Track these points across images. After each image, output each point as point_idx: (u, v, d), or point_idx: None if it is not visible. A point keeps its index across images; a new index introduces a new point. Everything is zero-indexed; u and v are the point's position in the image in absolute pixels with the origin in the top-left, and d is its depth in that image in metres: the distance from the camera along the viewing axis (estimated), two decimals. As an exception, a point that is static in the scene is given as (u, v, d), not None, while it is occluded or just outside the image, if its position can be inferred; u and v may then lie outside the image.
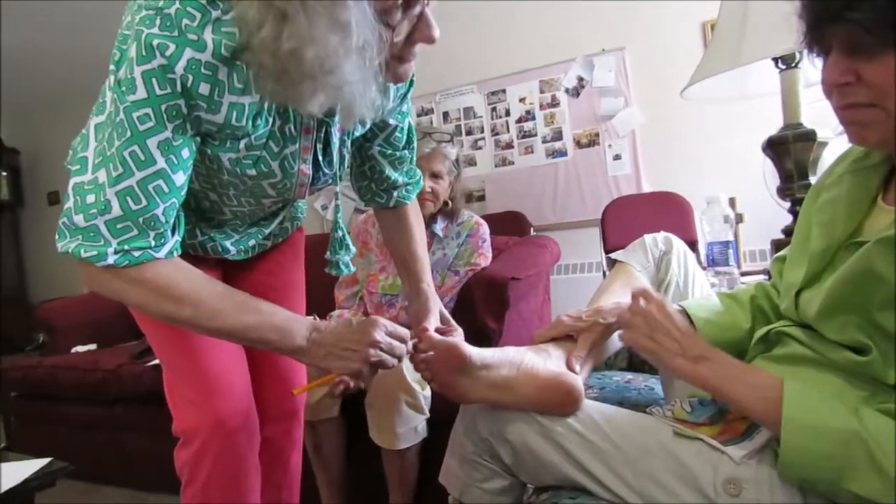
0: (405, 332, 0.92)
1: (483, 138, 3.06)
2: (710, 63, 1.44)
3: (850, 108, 0.68)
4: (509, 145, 3.00)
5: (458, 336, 1.03)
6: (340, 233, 1.11)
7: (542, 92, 2.92)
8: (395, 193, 1.14)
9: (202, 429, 1.01)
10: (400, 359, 0.91)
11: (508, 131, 3.00)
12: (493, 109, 3.03)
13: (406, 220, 1.16)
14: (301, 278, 1.27)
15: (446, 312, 1.11)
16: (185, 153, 0.77)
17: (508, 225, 2.42)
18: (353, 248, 1.15)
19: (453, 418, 0.96)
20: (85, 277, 0.80)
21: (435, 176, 1.79)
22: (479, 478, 0.90)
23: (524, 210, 2.67)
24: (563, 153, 2.89)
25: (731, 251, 1.44)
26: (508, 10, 2.93)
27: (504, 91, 3.00)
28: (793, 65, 1.38)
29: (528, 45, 2.91)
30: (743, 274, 1.58)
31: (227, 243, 1.06)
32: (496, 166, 3.04)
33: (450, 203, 1.85)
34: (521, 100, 2.97)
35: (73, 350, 2.61)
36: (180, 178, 0.78)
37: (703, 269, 1.46)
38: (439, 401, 1.51)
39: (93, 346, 2.63)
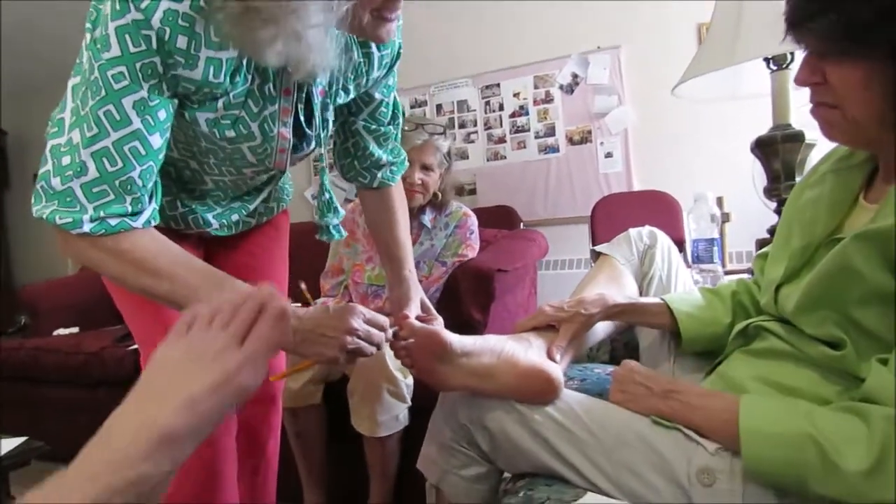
0: (384, 319, 0.91)
1: (476, 132, 3.05)
2: (703, 61, 1.44)
3: (818, 106, 0.70)
4: (502, 139, 3.00)
5: (437, 324, 1.03)
6: (327, 195, 1.09)
7: (536, 87, 2.92)
8: (379, 174, 1.12)
9: None
10: (378, 347, 0.90)
11: (501, 126, 3.00)
12: (487, 103, 3.03)
13: (390, 202, 1.14)
14: (283, 262, 1.26)
15: (427, 300, 1.11)
16: (162, 115, 0.76)
17: (498, 219, 2.42)
18: (341, 212, 1.14)
19: (435, 407, 0.96)
20: (61, 245, 0.78)
21: (425, 168, 1.78)
22: (456, 464, 0.90)
23: (515, 205, 2.67)
24: (555, 149, 2.89)
25: (716, 248, 1.45)
26: (505, 6, 2.92)
27: (498, 85, 3.00)
28: (784, 66, 1.39)
29: (524, 41, 2.91)
30: (727, 273, 1.59)
31: (209, 216, 1.04)
32: (488, 160, 3.03)
33: (439, 195, 1.85)
34: (515, 94, 2.96)
35: (56, 333, 2.59)
36: (157, 141, 0.76)
37: (688, 266, 1.47)
38: (421, 389, 1.51)
39: (75, 329, 2.61)
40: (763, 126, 1.49)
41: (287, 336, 0.57)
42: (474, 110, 3.06)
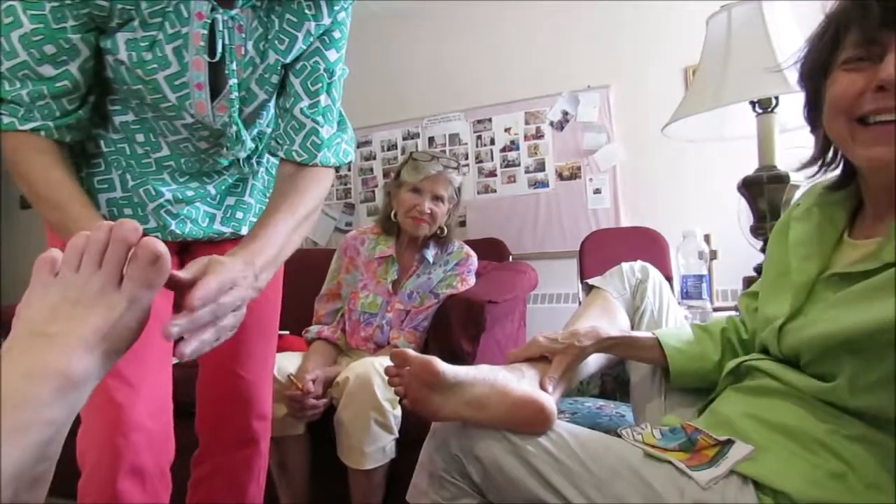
0: None
1: (467, 165, 3.09)
2: (691, 103, 1.49)
3: None
4: (492, 173, 3.04)
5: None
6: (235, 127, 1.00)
7: (527, 123, 2.97)
8: (319, 154, 1.00)
9: (88, 459, 0.92)
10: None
11: (492, 159, 3.04)
12: (479, 137, 3.07)
13: (300, 183, 0.98)
14: (276, 304, 1.23)
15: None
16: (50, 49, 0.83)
17: (487, 252, 2.43)
18: (248, 144, 1.06)
19: (422, 439, 0.94)
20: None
21: (437, 198, 1.82)
22: (447, 496, 0.88)
23: (504, 238, 2.69)
24: (545, 184, 2.93)
25: (704, 285, 1.47)
26: (498, 42, 3.00)
27: (490, 120, 3.05)
28: (769, 109, 1.44)
29: (516, 78, 2.97)
30: (715, 309, 1.61)
31: (163, 188, 1.01)
32: (478, 193, 3.07)
33: (444, 230, 1.87)
34: (507, 129, 3.01)
35: (36, 355, 2.53)
36: (49, 71, 0.84)
37: (678, 302, 1.48)
38: (409, 421, 1.49)
39: (56, 352, 2.56)
40: (747, 166, 1.53)
41: (164, 276, 0.54)
42: (466, 144, 3.10)
